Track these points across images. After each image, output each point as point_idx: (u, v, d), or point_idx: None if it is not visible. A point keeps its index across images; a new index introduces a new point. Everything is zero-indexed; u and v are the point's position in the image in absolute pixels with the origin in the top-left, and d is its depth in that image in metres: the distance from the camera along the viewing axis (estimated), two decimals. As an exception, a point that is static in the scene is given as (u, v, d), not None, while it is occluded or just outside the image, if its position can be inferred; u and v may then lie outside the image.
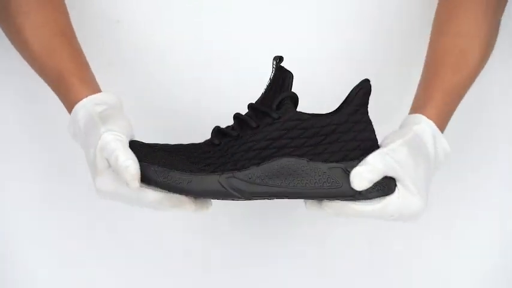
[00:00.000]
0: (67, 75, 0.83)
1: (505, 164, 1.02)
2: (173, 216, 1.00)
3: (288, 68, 0.79)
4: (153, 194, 0.76)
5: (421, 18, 0.95)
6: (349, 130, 0.77)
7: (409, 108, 0.86)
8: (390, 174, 0.76)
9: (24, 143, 1.03)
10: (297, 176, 0.76)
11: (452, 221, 1.03)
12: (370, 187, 0.75)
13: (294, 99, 0.79)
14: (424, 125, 0.81)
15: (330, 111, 0.81)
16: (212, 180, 0.75)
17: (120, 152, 0.75)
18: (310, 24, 0.99)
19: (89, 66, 0.86)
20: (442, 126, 0.83)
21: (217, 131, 0.80)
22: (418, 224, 1.01)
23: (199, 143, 0.80)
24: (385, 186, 0.76)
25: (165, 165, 0.76)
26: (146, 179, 0.76)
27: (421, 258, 1.04)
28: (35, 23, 0.85)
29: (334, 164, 0.76)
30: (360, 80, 0.79)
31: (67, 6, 0.90)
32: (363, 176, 0.75)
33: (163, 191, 0.76)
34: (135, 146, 0.78)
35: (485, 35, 0.86)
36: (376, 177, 0.75)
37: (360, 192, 0.76)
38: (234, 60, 1.00)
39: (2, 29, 0.89)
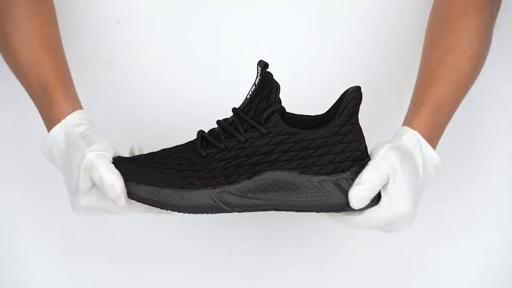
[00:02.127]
0: (51, 88, 0.83)
1: (503, 163, 1.02)
2: (172, 217, 1.00)
3: (274, 78, 0.78)
4: (140, 208, 0.77)
5: (422, 19, 0.94)
6: (340, 142, 0.77)
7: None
8: (385, 183, 0.76)
9: (24, 143, 1.03)
10: (288, 189, 0.76)
11: (452, 221, 1.03)
12: None
13: (281, 111, 0.79)
14: (409, 135, 0.81)
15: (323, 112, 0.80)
16: (204, 196, 0.75)
17: (104, 170, 0.75)
18: (309, 25, 0.99)
19: (72, 81, 0.86)
20: (432, 139, 0.82)
21: (201, 138, 0.79)
22: (418, 224, 1.02)
23: (183, 147, 0.79)
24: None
25: (155, 183, 0.75)
26: (137, 198, 0.76)
27: (420, 259, 1.04)
28: (24, 32, 0.85)
29: (324, 177, 0.76)
30: (353, 84, 0.78)
31: (67, 6, 0.90)
32: (361, 196, 0.75)
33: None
34: (120, 164, 0.77)
35: (477, 50, 0.86)
36: (373, 194, 0.76)
37: (348, 205, 0.76)
38: (235, 61, 0.99)
39: None
